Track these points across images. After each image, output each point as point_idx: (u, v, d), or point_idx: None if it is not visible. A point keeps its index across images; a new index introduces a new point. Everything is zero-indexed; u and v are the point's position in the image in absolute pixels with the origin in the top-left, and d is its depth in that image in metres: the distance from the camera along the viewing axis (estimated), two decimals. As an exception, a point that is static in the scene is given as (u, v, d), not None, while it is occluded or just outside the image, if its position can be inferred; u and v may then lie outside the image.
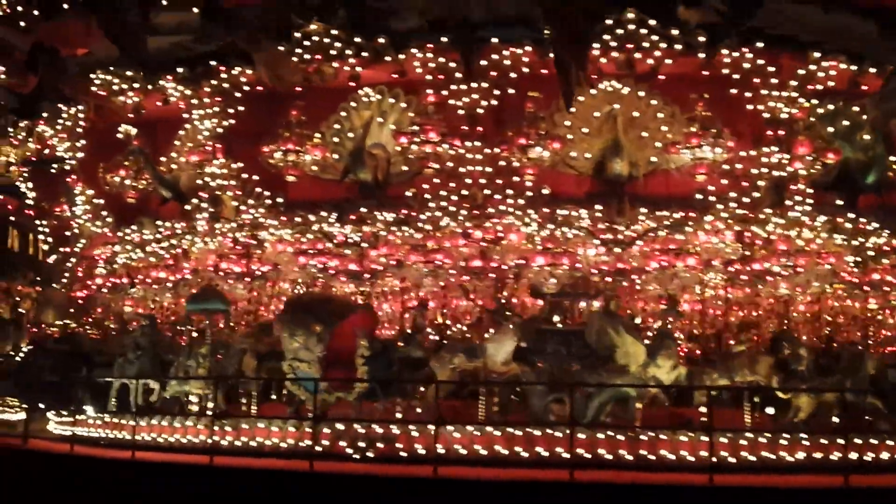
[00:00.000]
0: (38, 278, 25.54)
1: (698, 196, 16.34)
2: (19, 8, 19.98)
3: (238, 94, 17.29)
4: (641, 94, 16.38)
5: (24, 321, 25.25)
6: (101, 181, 19.36)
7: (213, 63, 17.04)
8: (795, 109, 16.42)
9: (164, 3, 16.78)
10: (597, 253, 16.43)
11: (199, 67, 17.24)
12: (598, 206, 16.26)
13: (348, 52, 16.43)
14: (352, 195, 16.89)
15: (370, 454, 13.24)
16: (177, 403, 16.00)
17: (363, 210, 16.63)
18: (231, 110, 17.33)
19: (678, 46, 16.00)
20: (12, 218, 25.48)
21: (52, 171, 21.05)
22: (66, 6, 18.05)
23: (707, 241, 16.48)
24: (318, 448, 13.06)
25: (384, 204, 16.55)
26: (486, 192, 16.32)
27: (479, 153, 16.33)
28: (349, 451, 13.35)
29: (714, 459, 12.04)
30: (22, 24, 20.01)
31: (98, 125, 19.44)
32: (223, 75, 17.14)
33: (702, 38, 15.88)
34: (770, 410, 14.16)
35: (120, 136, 18.50)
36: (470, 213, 16.41)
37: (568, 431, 12.47)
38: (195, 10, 16.74)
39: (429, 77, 16.33)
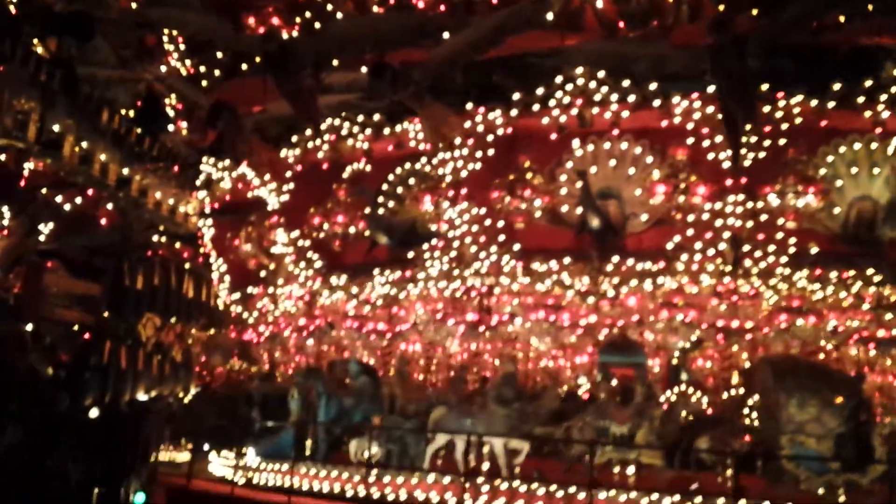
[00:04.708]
0: (210, 322, 26.78)
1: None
2: (202, 68, 21.21)
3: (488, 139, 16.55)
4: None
5: (193, 364, 26.54)
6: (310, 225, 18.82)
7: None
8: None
9: (336, 63, 17.38)
10: None
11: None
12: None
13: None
14: (582, 245, 15.81)
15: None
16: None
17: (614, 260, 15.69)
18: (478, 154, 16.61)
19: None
20: (188, 265, 26.94)
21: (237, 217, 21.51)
22: (244, 67, 18.96)
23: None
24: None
25: (627, 254, 15.70)
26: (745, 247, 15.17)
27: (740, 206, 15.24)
28: None
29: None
30: (204, 83, 21.24)
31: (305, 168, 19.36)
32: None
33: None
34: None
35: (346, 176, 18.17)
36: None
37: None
38: (363, 69, 17.25)
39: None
